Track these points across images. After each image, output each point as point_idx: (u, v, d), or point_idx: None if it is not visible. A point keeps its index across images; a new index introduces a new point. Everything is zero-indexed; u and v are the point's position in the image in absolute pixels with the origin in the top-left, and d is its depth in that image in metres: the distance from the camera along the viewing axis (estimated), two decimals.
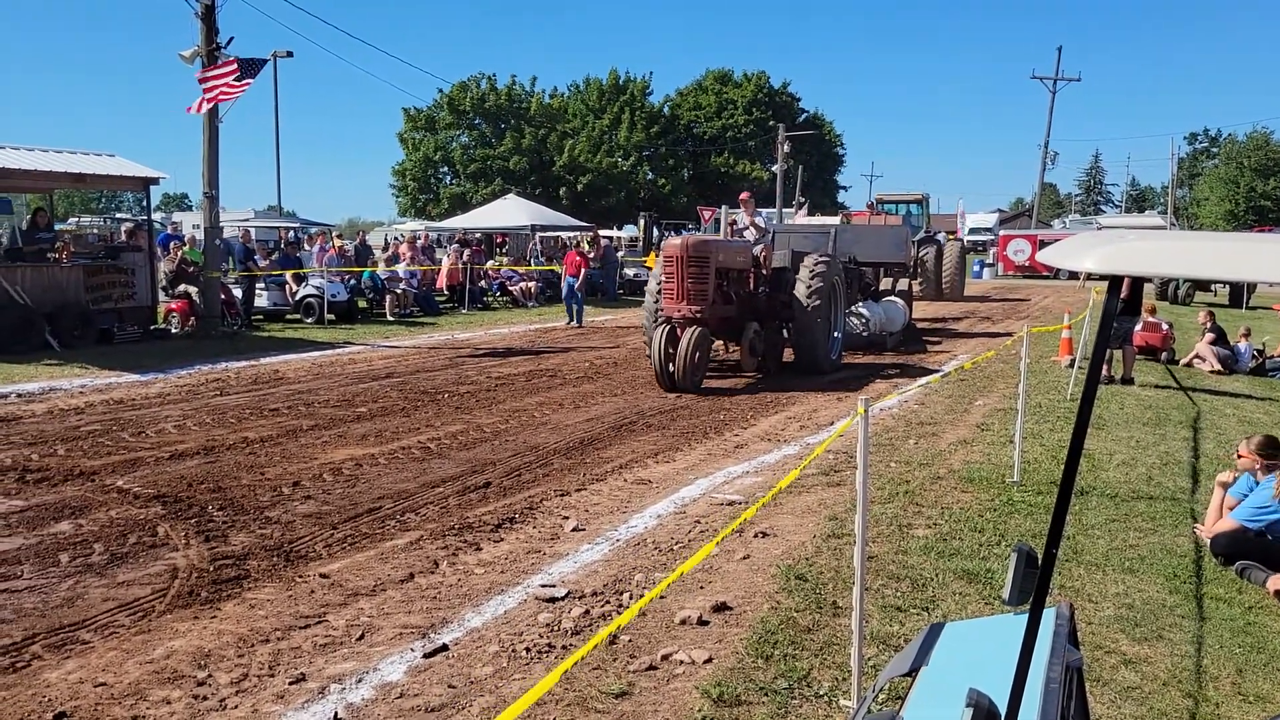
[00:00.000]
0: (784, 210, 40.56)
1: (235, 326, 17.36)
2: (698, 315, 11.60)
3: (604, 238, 31.41)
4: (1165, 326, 15.26)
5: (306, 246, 23.51)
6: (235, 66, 15.09)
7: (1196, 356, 14.38)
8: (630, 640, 4.53)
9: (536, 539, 6.11)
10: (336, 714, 3.87)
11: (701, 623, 4.72)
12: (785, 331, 13.41)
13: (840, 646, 4.42)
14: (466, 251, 24.45)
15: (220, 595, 5.07)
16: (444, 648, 4.46)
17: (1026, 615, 1.89)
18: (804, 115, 65.99)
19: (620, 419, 9.95)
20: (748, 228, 14.34)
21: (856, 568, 3.90)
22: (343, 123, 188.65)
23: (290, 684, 4.10)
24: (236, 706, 3.92)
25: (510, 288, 25.10)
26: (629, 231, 44.65)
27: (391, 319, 20.17)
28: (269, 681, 4.13)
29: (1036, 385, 11.91)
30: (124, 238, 17.91)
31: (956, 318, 22.52)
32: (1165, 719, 3.94)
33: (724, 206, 14.86)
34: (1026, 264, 40.01)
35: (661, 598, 5.01)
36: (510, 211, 30.02)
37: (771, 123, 56.83)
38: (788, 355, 13.62)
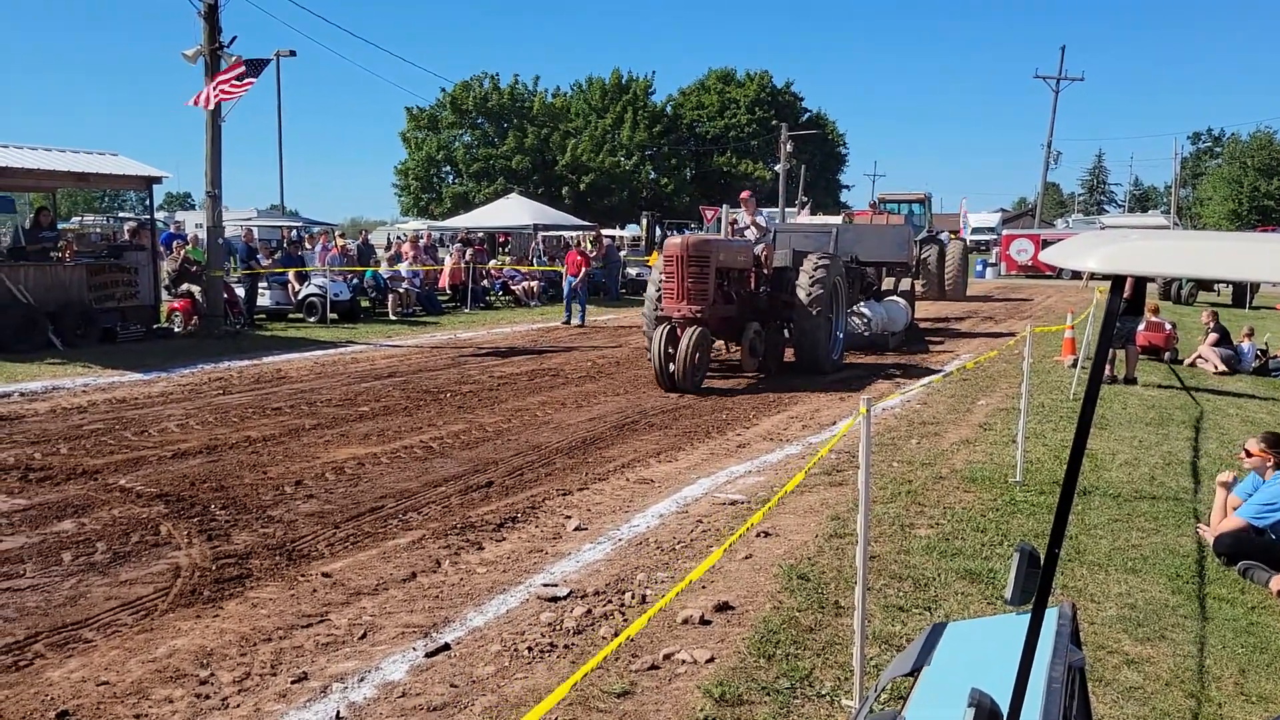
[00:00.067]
0: (787, 210, 40.57)
1: (238, 326, 17.37)
2: (698, 315, 11.56)
3: (606, 237, 31.43)
4: (1168, 326, 15.24)
5: (308, 246, 23.54)
6: (243, 68, 15.10)
7: (1199, 357, 14.36)
8: (632, 639, 4.53)
9: (539, 538, 6.12)
10: (338, 713, 3.87)
11: (704, 622, 4.72)
12: (786, 331, 13.37)
13: (842, 646, 4.41)
14: (469, 251, 24.45)
15: (222, 594, 5.07)
16: (446, 647, 4.46)
17: (1029, 615, 1.89)
18: (807, 115, 65.98)
19: (622, 418, 9.95)
20: (749, 227, 14.32)
21: (859, 567, 3.90)
22: (345, 122, 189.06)
23: (292, 683, 4.11)
24: (239, 705, 3.92)
25: (513, 287, 25.10)
26: (631, 231, 44.70)
27: (394, 318, 20.17)
28: (271, 680, 4.14)
29: (1039, 385, 11.90)
30: (127, 237, 17.94)
31: (959, 317, 22.50)
32: (1168, 719, 3.94)
33: (725, 206, 14.86)
34: (1029, 264, 39.95)
35: (663, 597, 5.01)
36: (513, 211, 30.02)
37: (774, 122, 56.80)
38: (789, 355, 13.58)
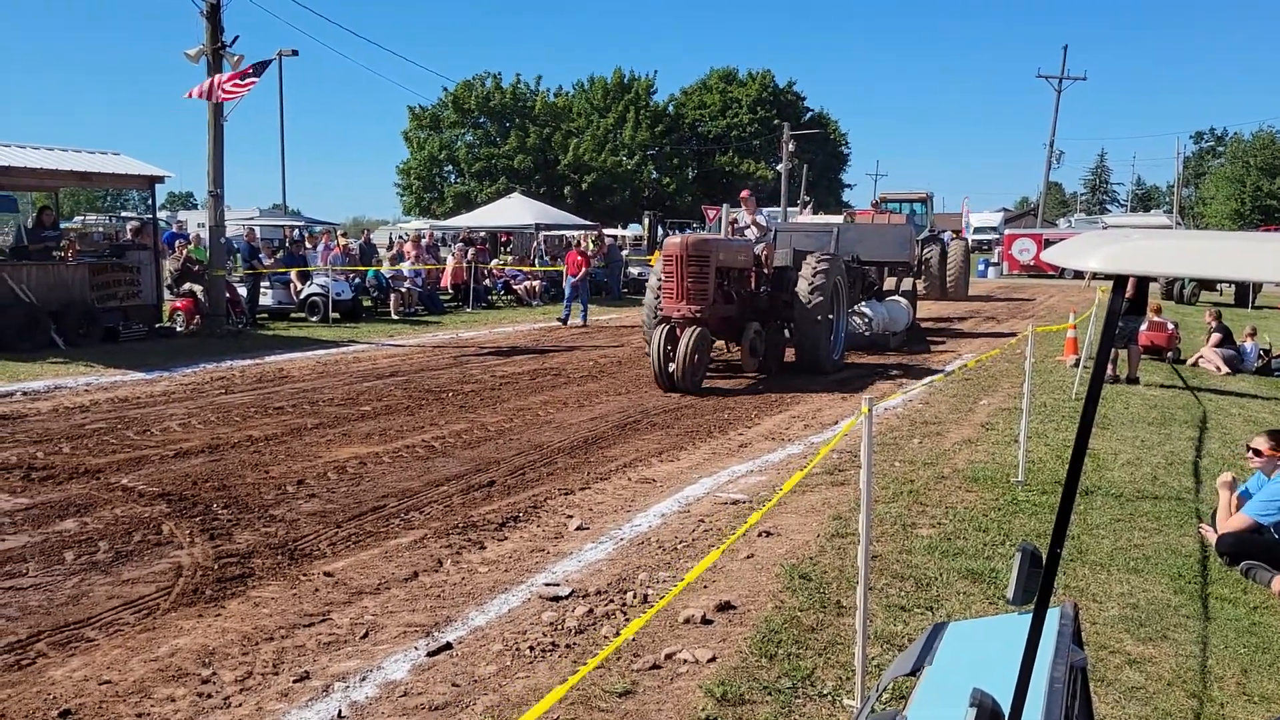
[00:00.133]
0: (789, 209, 40.54)
1: (240, 325, 17.38)
2: (697, 315, 11.51)
3: (608, 237, 31.41)
4: (1170, 326, 15.22)
5: (308, 245, 23.53)
6: (250, 70, 15.08)
7: (1201, 358, 14.34)
8: (634, 639, 4.53)
9: (540, 538, 6.12)
10: (340, 712, 3.87)
11: (705, 622, 4.72)
12: (787, 331, 13.33)
13: (844, 646, 4.41)
14: (471, 250, 24.45)
15: (225, 593, 5.07)
16: (448, 646, 4.47)
17: (1030, 615, 1.89)
18: (809, 114, 65.93)
19: (624, 418, 9.95)
20: (749, 226, 14.29)
21: (860, 567, 3.90)
22: (347, 121, 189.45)
23: (294, 682, 4.11)
24: (241, 704, 3.92)
25: (515, 286, 25.11)
26: (633, 230, 44.70)
27: (396, 318, 20.18)
28: (273, 679, 4.14)
29: (1041, 385, 11.89)
30: (129, 236, 17.95)
31: (961, 317, 22.48)
32: (1169, 719, 3.93)
33: (725, 205, 14.83)
34: (1031, 263, 39.92)
35: (664, 597, 5.01)
36: (515, 210, 30.02)
37: (776, 122, 56.77)
38: (789, 355, 13.55)
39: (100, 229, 33.07)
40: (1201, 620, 4.91)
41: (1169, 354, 14.81)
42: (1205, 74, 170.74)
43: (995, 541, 5.97)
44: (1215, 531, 6.01)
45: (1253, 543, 5.68)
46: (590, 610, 4.87)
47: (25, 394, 10.61)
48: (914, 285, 18.84)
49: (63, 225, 20.58)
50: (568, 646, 4.47)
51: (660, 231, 33.06)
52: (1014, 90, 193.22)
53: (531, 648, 4.43)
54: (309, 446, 8.39)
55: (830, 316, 13.10)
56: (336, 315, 18.93)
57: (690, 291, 11.58)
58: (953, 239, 30.36)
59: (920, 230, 26.10)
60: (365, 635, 4.60)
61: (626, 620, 4.71)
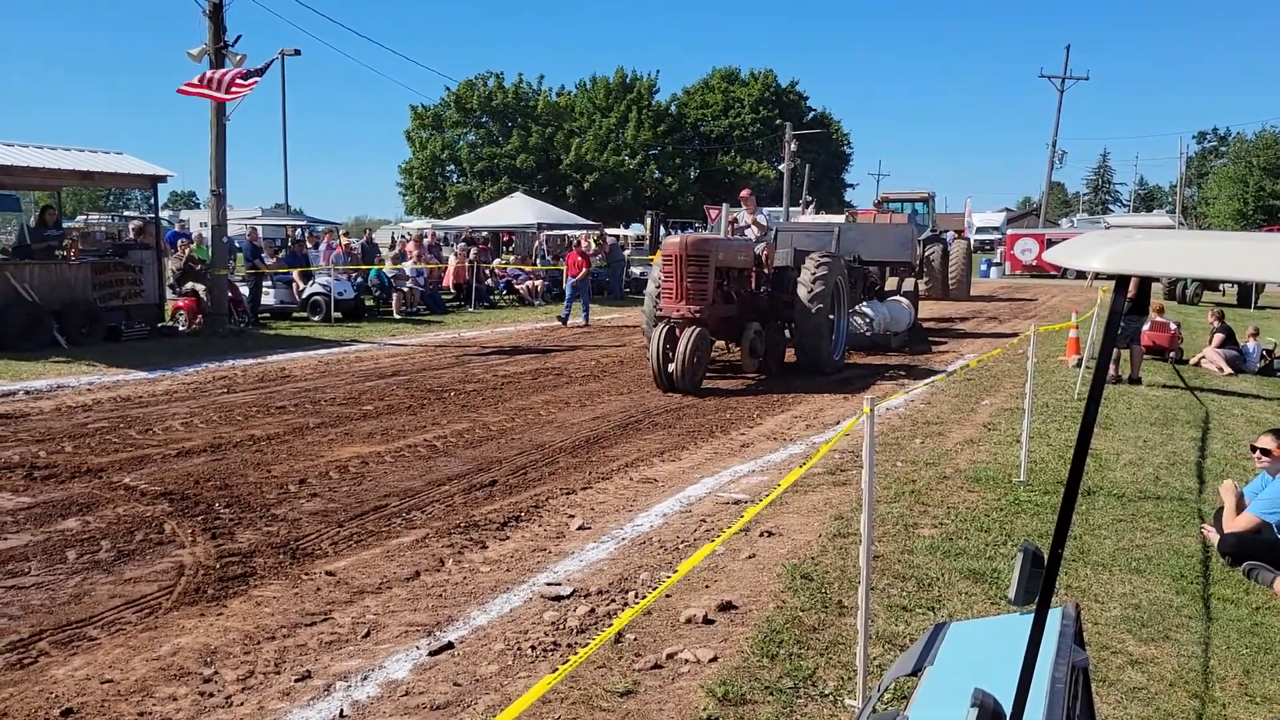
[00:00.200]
0: (791, 209, 40.53)
1: (242, 324, 17.40)
2: (697, 315, 11.45)
3: (610, 236, 31.41)
4: (1173, 326, 15.21)
5: (309, 245, 23.55)
6: (244, 71, 15.05)
7: (1203, 358, 14.32)
8: (636, 639, 4.53)
9: (542, 537, 6.12)
10: (342, 711, 3.87)
11: (707, 621, 4.72)
12: (787, 331, 13.28)
13: (846, 646, 4.41)
14: (473, 250, 24.46)
15: (227, 593, 5.08)
16: (449, 645, 4.47)
17: (1032, 615, 1.89)
18: (811, 114, 65.90)
19: (626, 417, 9.95)
20: (749, 226, 14.25)
21: (862, 567, 3.90)
22: (350, 121, 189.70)
23: (296, 681, 4.11)
24: (242, 704, 3.93)
25: (517, 286, 25.11)
26: (635, 230, 44.69)
27: (398, 317, 20.19)
28: (275, 679, 4.14)
29: (1043, 385, 11.88)
30: (132, 235, 17.96)
31: (963, 317, 22.47)
32: (1171, 719, 3.93)
33: (725, 205, 14.81)
34: (1034, 263, 39.89)
35: (667, 596, 5.01)
36: (517, 210, 30.03)
37: (778, 121, 56.74)
38: (790, 356, 13.51)
39: (103, 228, 33.09)
40: (1203, 621, 4.90)
41: (1171, 354, 14.79)
42: (1208, 74, 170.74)
43: (997, 542, 5.96)
44: (1217, 532, 6.00)
45: (1255, 543, 5.67)
46: (592, 610, 4.88)
47: (28, 393, 10.62)
48: (916, 285, 18.81)
49: (65, 224, 20.62)
50: (569, 646, 4.47)
51: (662, 231, 33.08)
52: (1016, 90, 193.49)
53: (533, 647, 4.43)
54: (311, 446, 8.40)
55: (831, 317, 13.05)
56: (338, 315, 18.94)
57: (689, 291, 11.53)
58: (955, 239, 30.32)
59: (922, 230, 26.08)
60: (367, 634, 4.60)
61: (629, 620, 4.70)
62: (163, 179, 17.12)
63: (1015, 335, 17.34)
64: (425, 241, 24.18)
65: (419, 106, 54.02)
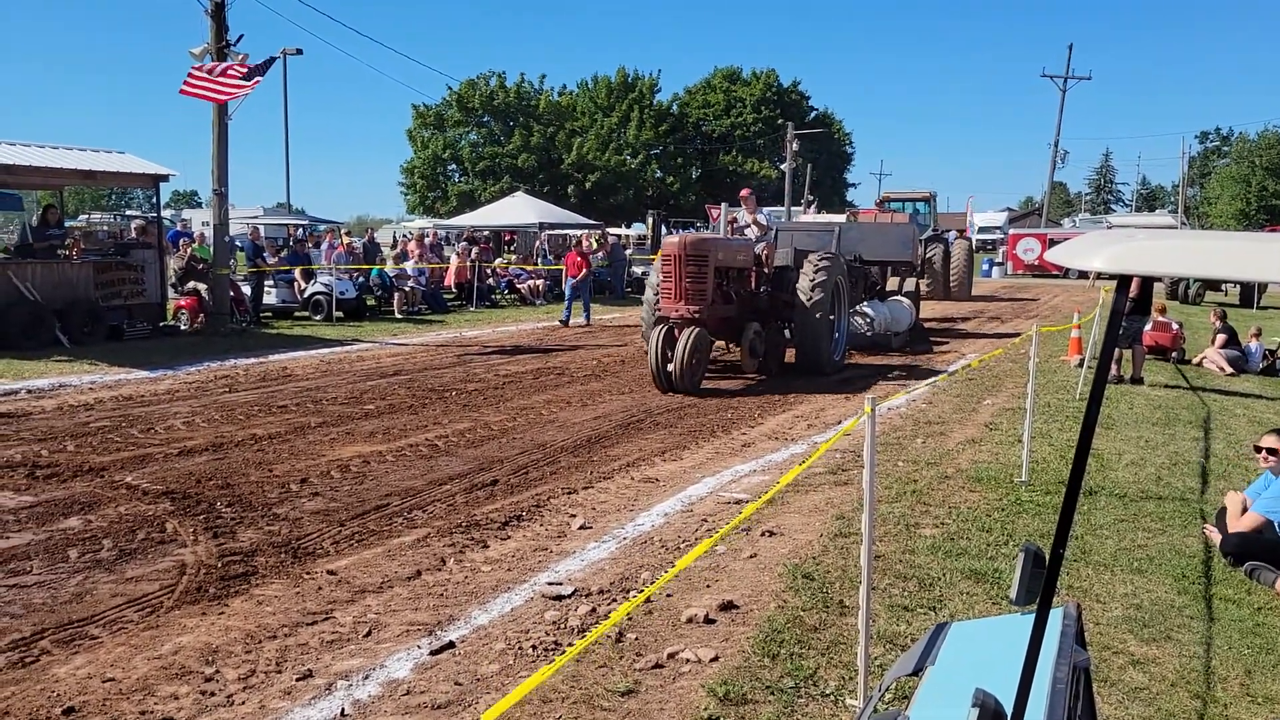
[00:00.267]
0: (793, 208, 40.52)
1: (244, 323, 17.42)
2: (696, 315, 11.38)
3: (612, 236, 31.40)
4: (1175, 326, 15.20)
5: (310, 245, 23.56)
6: (245, 69, 15.02)
7: (1204, 359, 14.31)
8: (637, 638, 4.54)
9: (543, 537, 6.12)
10: (343, 710, 3.88)
11: (708, 621, 4.72)
12: (787, 331, 13.23)
13: (847, 645, 4.41)
14: (474, 249, 24.46)
15: (228, 591, 5.08)
16: (451, 645, 4.47)
17: (1033, 615, 1.89)
18: (813, 113, 65.89)
19: (628, 417, 9.95)
20: (749, 225, 14.19)
21: (863, 567, 3.90)
22: (352, 120, 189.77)
23: (297, 680, 4.11)
24: (244, 702, 3.93)
25: (518, 286, 25.11)
26: (637, 230, 44.69)
27: (399, 316, 20.21)
28: (276, 678, 4.15)
29: (1045, 385, 11.87)
30: (134, 235, 17.99)
31: (965, 317, 22.46)
32: (1173, 719, 3.93)
33: (724, 204, 14.77)
34: (1035, 263, 39.87)
35: (668, 596, 5.01)
36: (518, 209, 30.03)
37: (780, 121, 56.76)
38: (790, 356, 13.46)
39: (105, 227, 33.14)
40: (1205, 621, 4.90)
41: (1173, 354, 14.78)
42: (1210, 74, 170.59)
43: (998, 542, 5.96)
44: (1219, 532, 5.99)
45: (1257, 543, 5.66)
46: (593, 609, 4.88)
47: (30, 392, 10.63)
48: (917, 285, 18.78)
49: (67, 224, 20.62)
50: (571, 646, 4.47)
51: (664, 231, 33.08)
52: (1017, 90, 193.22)
53: (534, 646, 4.44)
54: (312, 445, 8.40)
55: (831, 317, 13.00)
56: (340, 314, 18.95)
57: (688, 291, 11.46)
58: (956, 238, 30.29)
59: (923, 230, 26.03)
60: (368, 634, 4.60)
61: (630, 620, 4.71)
62: (165, 178, 17.13)
63: (1017, 335, 17.33)
64: (427, 241, 24.19)
65: (421, 106, 54.13)
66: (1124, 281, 1.86)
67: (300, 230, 28.82)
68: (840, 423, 9.74)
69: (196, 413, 9.66)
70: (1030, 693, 1.84)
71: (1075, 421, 9.68)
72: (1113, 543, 6.03)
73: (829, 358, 12.99)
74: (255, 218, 30.74)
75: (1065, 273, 37.96)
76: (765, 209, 17.95)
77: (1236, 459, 8.34)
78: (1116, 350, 11.84)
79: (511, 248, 30.63)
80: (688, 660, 4.29)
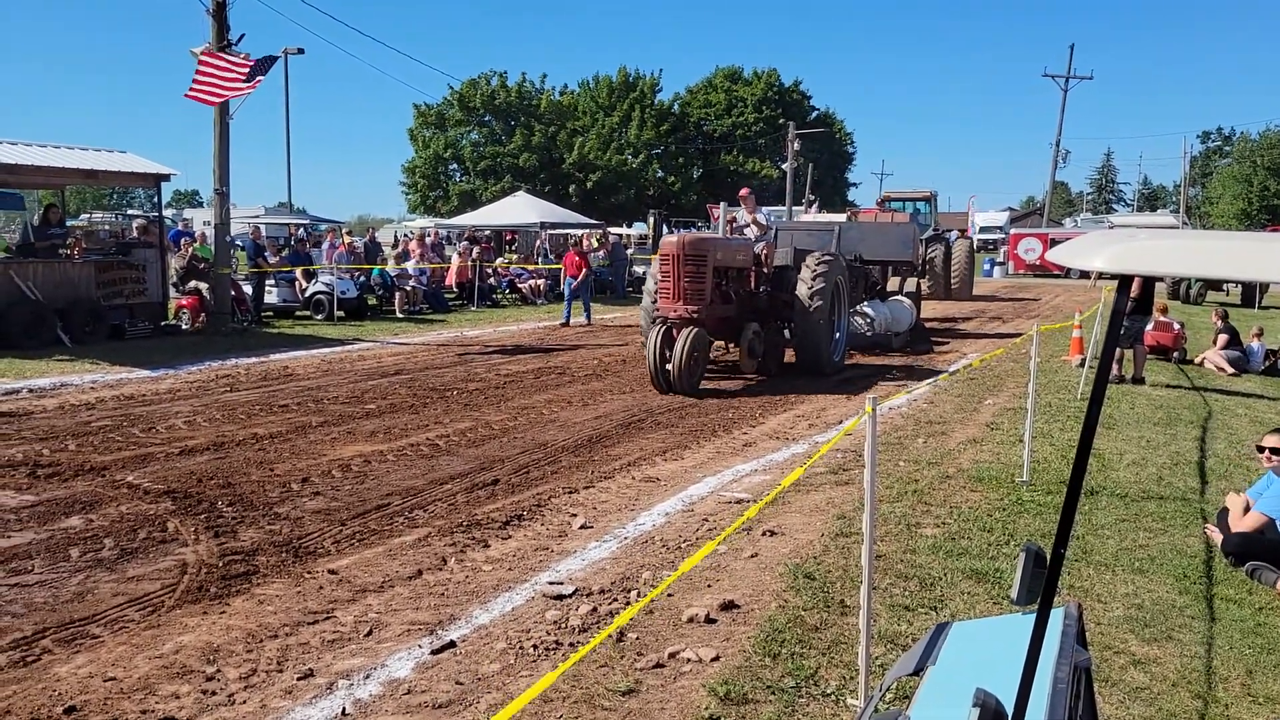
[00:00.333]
0: (794, 208, 40.51)
1: (245, 323, 17.42)
2: (694, 315, 11.31)
3: (613, 235, 31.40)
4: (1177, 326, 15.19)
5: (311, 245, 23.56)
6: (246, 65, 15.01)
7: (1205, 360, 14.30)
8: (638, 638, 4.53)
9: (544, 536, 6.12)
10: (344, 710, 3.88)
11: (709, 621, 4.72)
12: (787, 332, 13.17)
13: (848, 645, 4.41)
14: (476, 249, 24.46)
15: (229, 591, 5.09)
16: (452, 644, 4.47)
17: (1034, 615, 1.88)
18: (814, 113, 65.85)
19: (629, 416, 9.95)
20: (748, 225, 14.16)
21: (864, 566, 3.89)
22: (353, 120, 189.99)
23: (298, 679, 4.12)
24: (245, 702, 3.93)
25: (519, 285, 25.11)
26: (639, 229, 44.69)
27: (401, 316, 20.21)
28: (277, 677, 4.15)
29: (1046, 384, 11.87)
30: (135, 234, 17.99)
31: (966, 317, 22.45)
32: (1174, 719, 3.93)
33: (723, 204, 14.75)
34: (1037, 263, 39.85)
35: (669, 595, 5.01)
36: (520, 209, 30.03)
37: (782, 120, 56.74)
38: (790, 356, 13.44)
39: (106, 227, 33.12)
40: (1207, 621, 4.89)
41: (1175, 354, 14.77)
42: (1211, 74, 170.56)
43: (999, 541, 5.96)
44: (1221, 532, 5.99)
45: (1259, 543, 5.66)
46: (594, 609, 4.88)
47: (31, 391, 10.64)
48: (918, 285, 18.75)
49: (69, 223, 20.61)
50: (571, 645, 4.47)
51: (664, 230, 33.09)
52: (1018, 89, 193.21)
53: (535, 646, 4.44)
54: (314, 444, 8.41)
55: (831, 317, 12.95)
56: (341, 313, 18.96)
57: (687, 291, 11.39)
58: (958, 238, 30.28)
59: (924, 229, 26.01)
60: (369, 633, 4.61)
61: (631, 620, 4.71)
62: (166, 177, 17.14)
63: (1018, 335, 17.32)
64: (428, 240, 24.19)
65: (422, 105, 54.11)
66: (1125, 281, 1.86)
67: (301, 230, 28.81)
68: (841, 422, 9.74)
69: (198, 412, 9.67)
70: (1031, 692, 1.84)
71: (1076, 421, 9.68)
72: (1114, 543, 6.03)
73: (829, 358, 12.94)
74: (256, 217, 30.74)
75: (1066, 272, 37.95)
76: (766, 209, 17.93)
77: (1238, 459, 8.33)
78: (1118, 350, 11.83)
79: (513, 247, 30.62)
80: (689, 660, 4.29)
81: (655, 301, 12.24)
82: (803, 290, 12.41)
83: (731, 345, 13.45)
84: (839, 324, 13.53)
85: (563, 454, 8.31)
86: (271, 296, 19.51)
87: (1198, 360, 14.43)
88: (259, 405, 10.12)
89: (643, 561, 5.63)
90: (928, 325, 18.19)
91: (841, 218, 25.13)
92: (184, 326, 16.56)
